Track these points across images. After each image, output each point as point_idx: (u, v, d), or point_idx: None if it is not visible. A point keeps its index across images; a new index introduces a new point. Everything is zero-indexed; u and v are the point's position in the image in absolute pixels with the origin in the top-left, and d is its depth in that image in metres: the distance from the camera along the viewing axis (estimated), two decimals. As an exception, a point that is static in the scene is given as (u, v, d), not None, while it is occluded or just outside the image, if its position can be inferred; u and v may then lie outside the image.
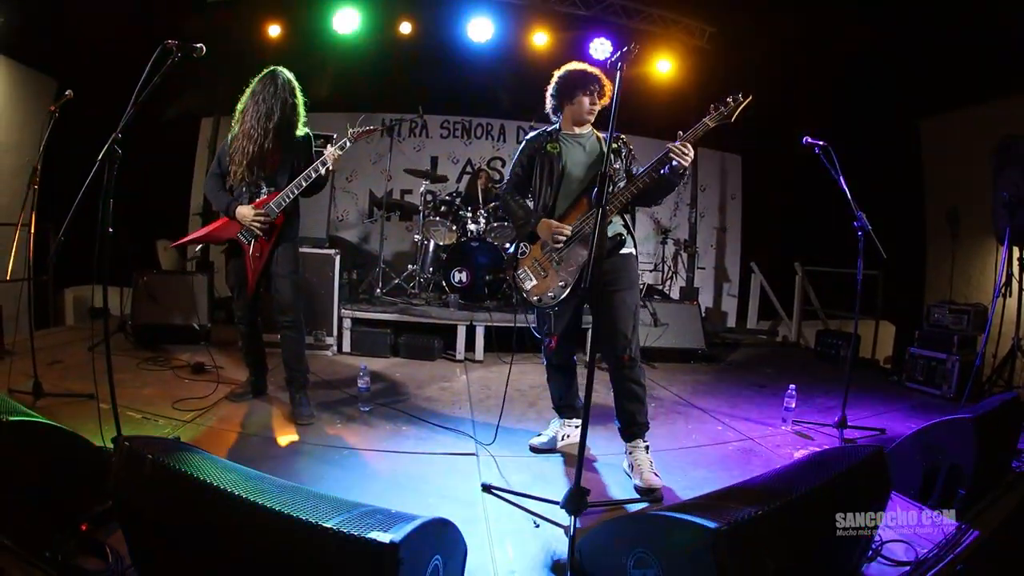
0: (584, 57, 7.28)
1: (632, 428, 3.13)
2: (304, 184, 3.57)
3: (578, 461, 2.35)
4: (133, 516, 1.79)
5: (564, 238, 3.07)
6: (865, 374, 5.95)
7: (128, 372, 4.48)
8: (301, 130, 3.69)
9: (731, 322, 9.27)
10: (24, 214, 3.93)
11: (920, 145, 7.65)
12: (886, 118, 7.53)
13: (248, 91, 3.61)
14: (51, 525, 2.02)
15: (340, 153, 3.60)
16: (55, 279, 5.99)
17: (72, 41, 6.28)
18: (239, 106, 3.62)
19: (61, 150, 4.35)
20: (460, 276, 6.24)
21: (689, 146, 2.86)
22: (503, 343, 5.77)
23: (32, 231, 3.97)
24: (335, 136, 5.73)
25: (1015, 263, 4.85)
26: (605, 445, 3.42)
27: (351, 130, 3.66)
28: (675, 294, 8.40)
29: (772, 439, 3.84)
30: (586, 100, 3.17)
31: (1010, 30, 5.62)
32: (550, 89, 3.29)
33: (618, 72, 2.65)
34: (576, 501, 2.33)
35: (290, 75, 3.64)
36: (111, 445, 2.56)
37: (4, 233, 4.60)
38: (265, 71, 3.62)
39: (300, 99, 3.66)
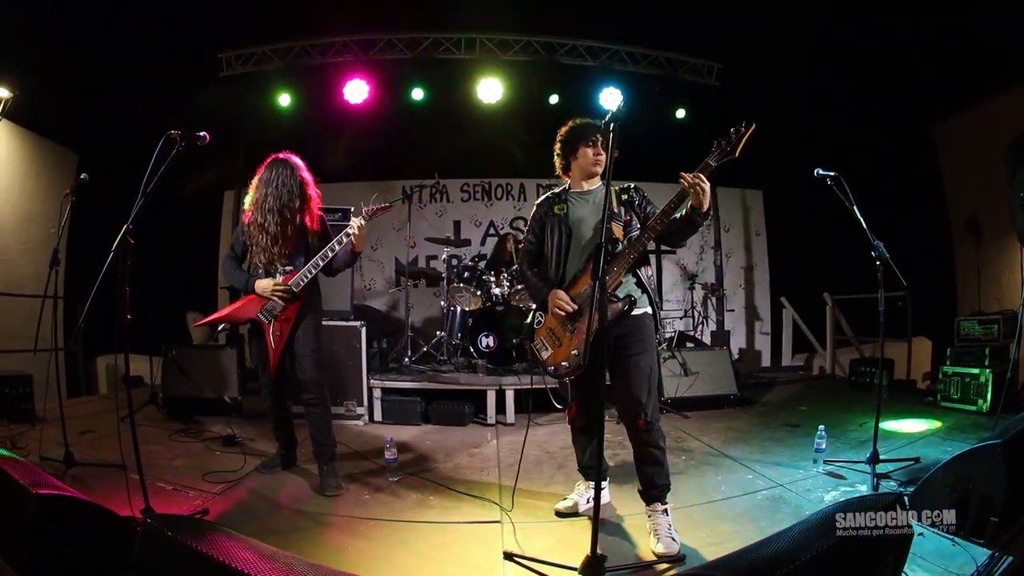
0: (595, 108, 7.44)
1: (651, 491, 3.07)
2: (322, 263, 3.67)
3: (593, 528, 2.36)
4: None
5: (564, 314, 3.02)
6: (901, 398, 5.84)
7: (160, 443, 4.60)
8: (314, 211, 3.78)
9: (766, 361, 9.10)
10: (49, 287, 4.10)
11: (936, 153, 7.55)
12: (899, 130, 7.48)
13: (257, 179, 3.70)
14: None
15: (357, 232, 3.62)
16: (87, 347, 6.21)
17: (92, 116, 6.64)
18: (249, 196, 3.73)
19: (88, 223, 4.56)
20: (487, 341, 6.30)
21: (703, 176, 2.74)
22: (535, 405, 5.74)
23: (56, 304, 4.26)
24: (352, 209, 5.90)
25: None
26: (633, 504, 3.33)
27: (365, 208, 3.74)
28: (707, 338, 8.30)
29: (803, 483, 3.74)
30: (589, 151, 3.13)
31: (1002, 18, 5.55)
32: (556, 150, 3.29)
33: (611, 133, 2.68)
34: (593, 568, 2.29)
35: (297, 159, 3.75)
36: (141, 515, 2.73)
37: (34, 303, 4.71)
38: (271, 159, 3.73)
39: (310, 180, 3.77)
